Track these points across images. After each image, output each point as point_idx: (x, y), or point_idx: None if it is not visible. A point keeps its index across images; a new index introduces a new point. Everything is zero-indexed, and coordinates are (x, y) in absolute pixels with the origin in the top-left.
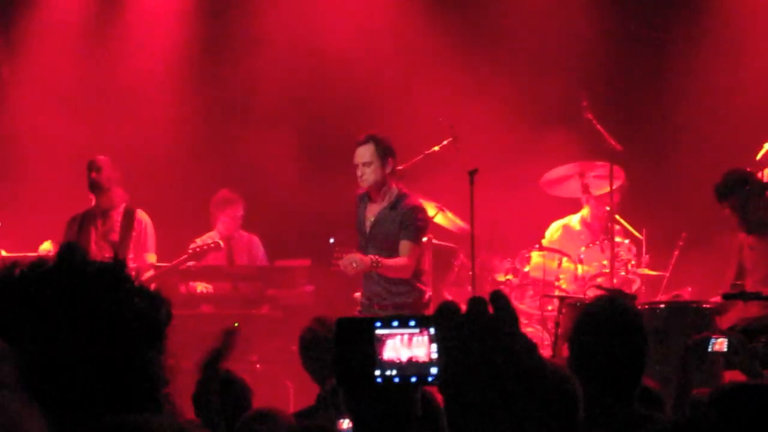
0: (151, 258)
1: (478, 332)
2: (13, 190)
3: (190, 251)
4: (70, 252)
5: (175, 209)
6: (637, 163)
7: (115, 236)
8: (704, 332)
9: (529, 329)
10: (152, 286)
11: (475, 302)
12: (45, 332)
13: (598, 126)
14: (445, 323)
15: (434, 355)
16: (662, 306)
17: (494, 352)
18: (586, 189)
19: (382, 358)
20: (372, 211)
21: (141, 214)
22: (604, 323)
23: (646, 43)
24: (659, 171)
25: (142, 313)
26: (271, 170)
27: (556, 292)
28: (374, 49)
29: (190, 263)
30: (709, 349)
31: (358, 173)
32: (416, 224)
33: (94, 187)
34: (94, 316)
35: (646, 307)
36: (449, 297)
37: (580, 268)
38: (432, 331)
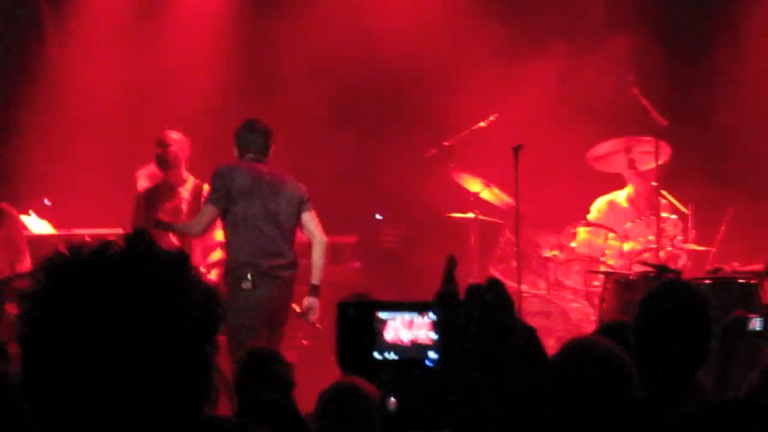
0: (219, 236)
1: (475, 316)
2: (62, 168)
3: None
4: (139, 239)
5: None
6: (683, 138)
7: (183, 215)
8: (741, 310)
9: (575, 305)
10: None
11: (472, 289)
12: (107, 318)
13: (644, 100)
14: (445, 308)
15: (434, 339)
16: (706, 282)
17: (491, 336)
18: (631, 164)
19: (382, 341)
20: None
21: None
22: (670, 306)
23: (691, 16)
24: (706, 145)
25: (201, 307)
26: (317, 149)
27: (602, 268)
28: (422, 28)
29: None
30: (748, 328)
31: None
32: None
33: (161, 162)
34: (156, 306)
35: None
36: (495, 273)
37: (626, 245)
38: (432, 316)
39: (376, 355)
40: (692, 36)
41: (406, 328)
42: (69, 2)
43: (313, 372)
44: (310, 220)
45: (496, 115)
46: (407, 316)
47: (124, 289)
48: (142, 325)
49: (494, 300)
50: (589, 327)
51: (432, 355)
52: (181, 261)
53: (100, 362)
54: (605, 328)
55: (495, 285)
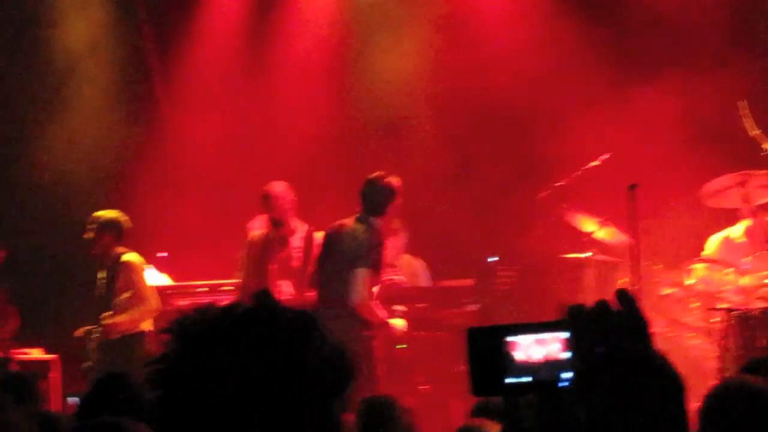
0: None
1: (608, 331)
2: (174, 221)
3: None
4: (266, 298)
5: None
6: None
7: (296, 263)
8: None
9: (696, 341)
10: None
11: (600, 304)
12: (238, 378)
13: (759, 133)
14: (577, 326)
15: (567, 359)
16: None
17: (626, 350)
18: (747, 198)
19: (514, 364)
20: None
21: (319, 238)
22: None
23: None
24: None
25: (329, 364)
26: (431, 192)
27: (721, 305)
28: (531, 70)
29: None
30: None
31: None
32: None
33: (275, 223)
34: (284, 365)
35: None
36: None
37: (743, 280)
38: (564, 335)
39: (508, 379)
40: None
41: (538, 350)
42: (177, 58)
43: (434, 417)
44: (350, 278)
45: (609, 153)
46: (538, 336)
47: (252, 349)
48: (272, 384)
49: (624, 311)
50: (710, 364)
51: (565, 375)
52: (306, 319)
53: (232, 423)
54: (751, 365)
55: (624, 296)
